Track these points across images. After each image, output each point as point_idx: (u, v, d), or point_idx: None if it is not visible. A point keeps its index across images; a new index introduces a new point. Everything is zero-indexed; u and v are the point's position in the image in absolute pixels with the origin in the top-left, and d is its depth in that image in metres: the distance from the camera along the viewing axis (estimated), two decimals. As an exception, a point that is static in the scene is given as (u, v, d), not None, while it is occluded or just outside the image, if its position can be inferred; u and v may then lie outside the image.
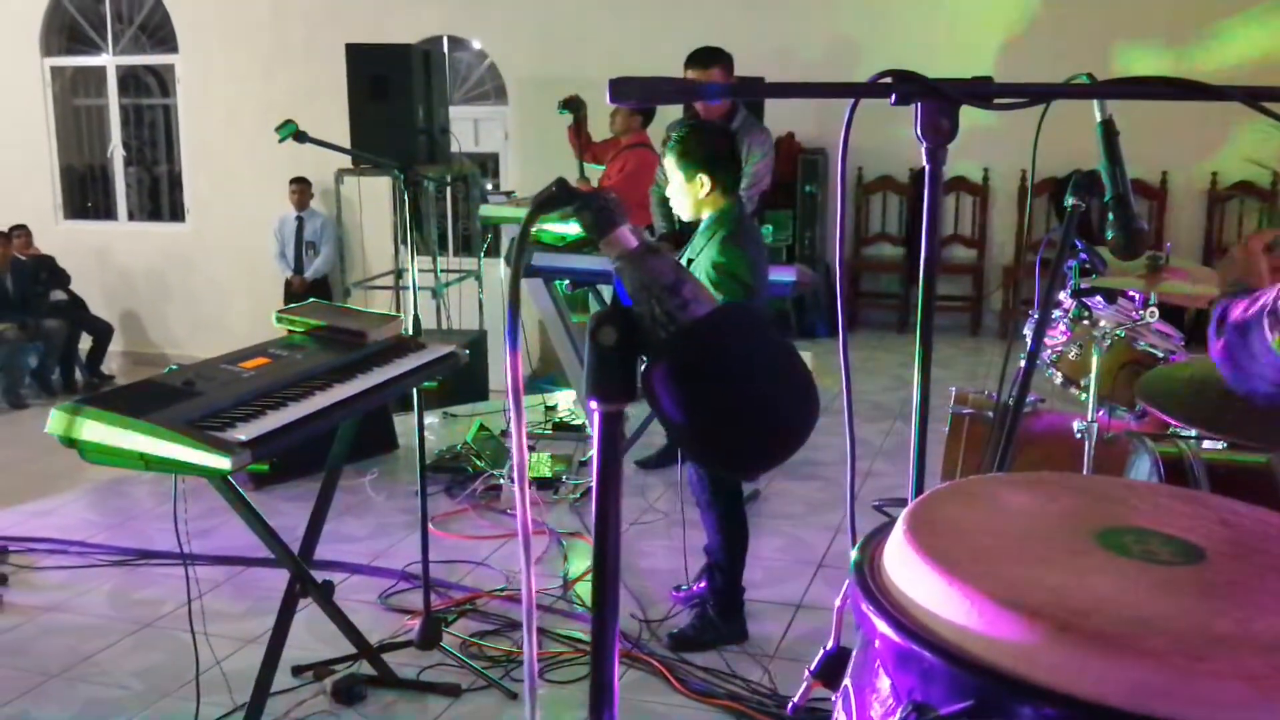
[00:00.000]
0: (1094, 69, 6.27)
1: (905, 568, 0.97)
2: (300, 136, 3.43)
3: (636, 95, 1.17)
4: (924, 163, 1.29)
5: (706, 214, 3.55)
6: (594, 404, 0.91)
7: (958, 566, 0.94)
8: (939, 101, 1.24)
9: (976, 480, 1.20)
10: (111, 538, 4.73)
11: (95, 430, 2.45)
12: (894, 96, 1.24)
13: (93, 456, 2.47)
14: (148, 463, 2.43)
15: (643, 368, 0.91)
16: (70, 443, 2.47)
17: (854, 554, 1.04)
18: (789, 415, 0.91)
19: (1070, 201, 1.84)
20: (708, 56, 5.11)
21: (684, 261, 3.57)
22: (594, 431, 0.93)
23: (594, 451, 0.93)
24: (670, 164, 3.54)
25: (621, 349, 0.90)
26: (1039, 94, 1.29)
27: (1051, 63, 8.04)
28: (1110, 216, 1.77)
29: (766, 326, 0.92)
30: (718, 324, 0.89)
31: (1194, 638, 0.86)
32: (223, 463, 2.38)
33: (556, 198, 0.93)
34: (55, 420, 2.46)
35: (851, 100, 1.26)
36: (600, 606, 0.95)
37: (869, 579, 1.00)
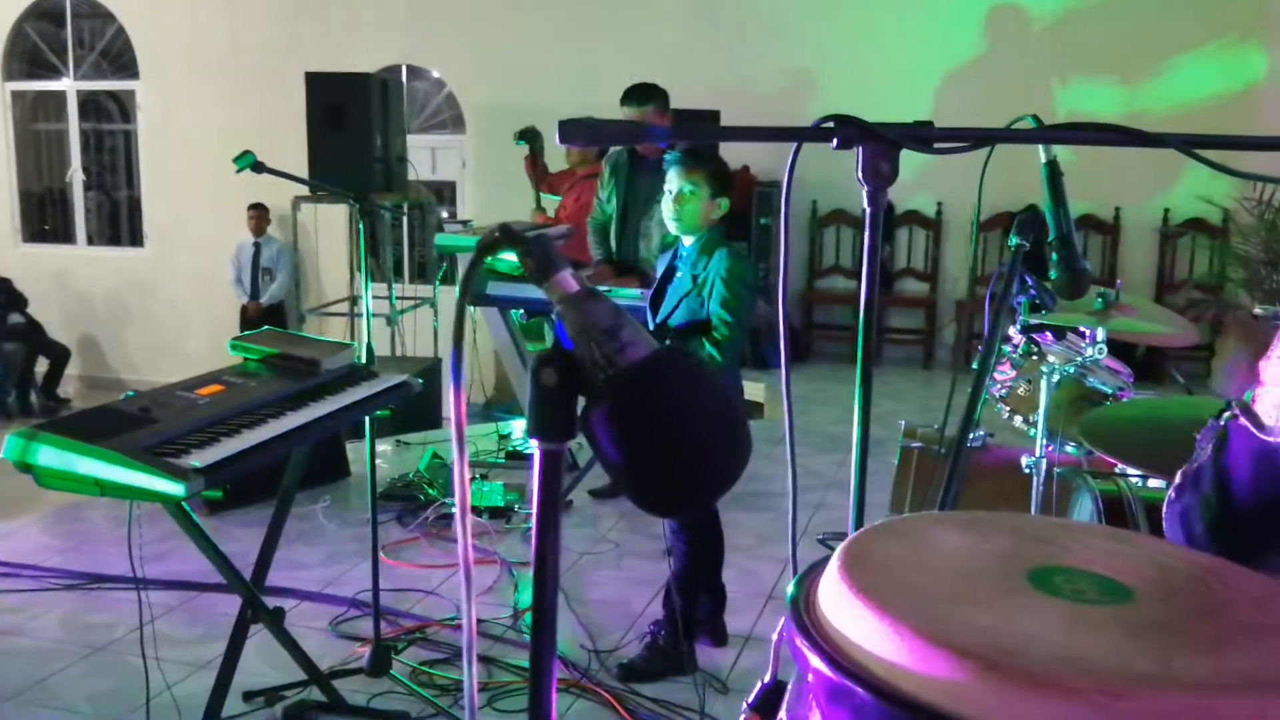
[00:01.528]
0: (1045, 105, 6.44)
1: (839, 603, 0.99)
2: (257, 167, 3.44)
3: (583, 138, 1.19)
4: (860, 183, 1.31)
5: (699, 234, 3.62)
6: (535, 442, 0.93)
7: (890, 604, 0.96)
8: (879, 146, 1.27)
9: (912, 518, 1.22)
10: (66, 562, 4.69)
11: (50, 456, 2.45)
12: (835, 141, 1.27)
13: (48, 482, 2.47)
14: (103, 488, 2.43)
15: (582, 408, 0.93)
16: (25, 468, 2.46)
17: (790, 588, 1.06)
18: (721, 459, 0.94)
19: (1015, 241, 1.87)
20: (643, 93, 5.23)
21: (688, 278, 3.61)
22: (535, 471, 0.95)
23: (535, 490, 0.95)
24: (696, 179, 3.58)
25: (562, 390, 0.92)
26: (979, 138, 1.32)
27: (1002, 98, 8.29)
28: (1054, 256, 1.81)
29: (702, 370, 0.95)
30: (654, 367, 0.92)
31: (1116, 677, 0.88)
32: (176, 489, 2.39)
33: (500, 242, 0.95)
34: (10, 446, 2.46)
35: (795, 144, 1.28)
36: (539, 642, 0.96)
37: (804, 614, 1.02)
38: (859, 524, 1.37)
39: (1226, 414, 1.28)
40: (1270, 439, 1.20)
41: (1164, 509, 1.35)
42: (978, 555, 1.10)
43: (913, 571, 1.05)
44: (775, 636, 1.07)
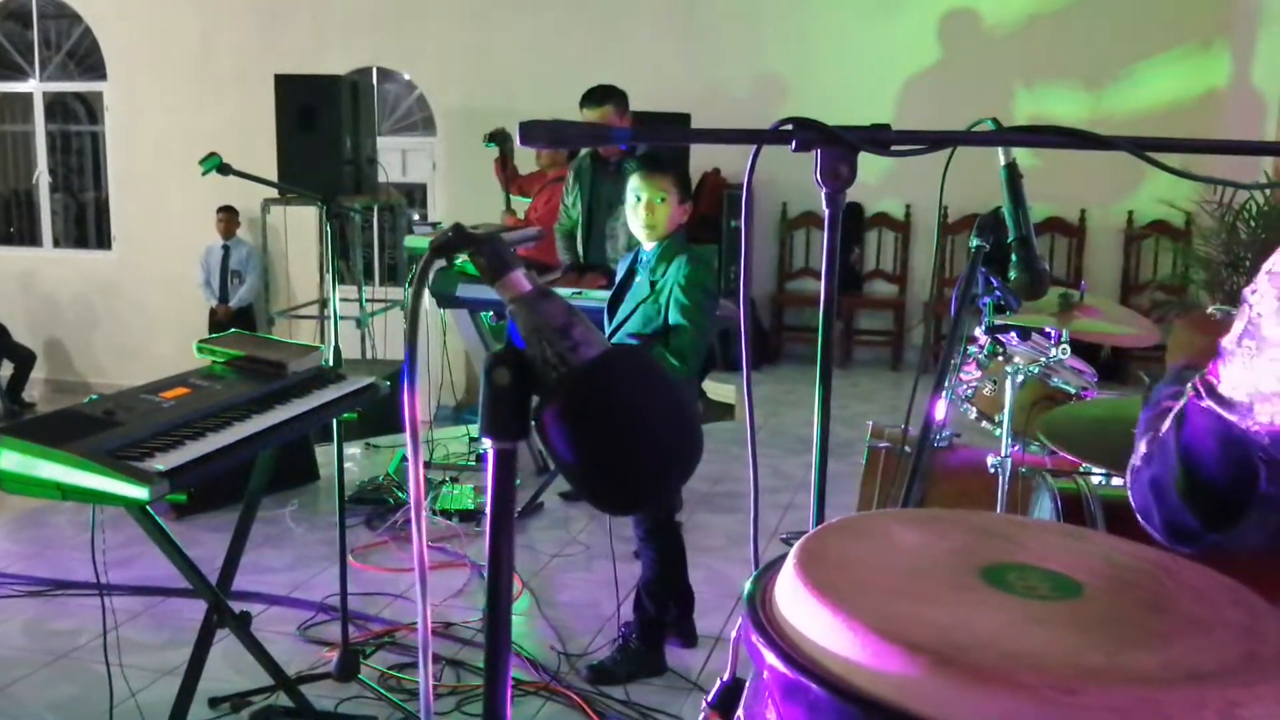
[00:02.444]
0: (1007, 109, 6.50)
1: (794, 600, 1.00)
2: (224, 169, 3.43)
3: (545, 139, 1.20)
4: (819, 184, 1.33)
5: (667, 238, 3.63)
6: (488, 441, 0.94)
7: (845, 600, 0.98)
8: (838, 148, 1.28)
9: (869, 516, 1.24)
10: (28, 568, 4.65)
11: (11, 460, 2.43)
12: (794, 143, 1.28)
13: (9, 487, 2.45)
14: (64, 492, 2.42)
15: (535, 406, 0.94)
16: (-14, 473, 2.44)
17: (748, 586, 1.07)
18: (672, 457, 0.95)
19: (975, 243, 1.89)
20: (600, 95, 5.29)
21: (646, 284, 3.61)
22: (488, 469, 0.96)
23: (488, 489, 0.95)
24: (663, 185, 3.59)
25: (515, 389, 0.93)
26: (936, 140, 1.34)
27: (964, 102, 8.34)
28: (1014, 257, 1.83)
29: (654, 368, 0.96)
30: (606, 366, 0.92)
31: (1065, 671, 0.89)
32: (140, 493, 2.37)
33: (452, 242, 0.96)
34: (-31, 451, 2.43)
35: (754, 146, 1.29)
36: (493, 643, 0.97)
37: (760, 611, 1.03)
38: (819, 523, 1.38)
39: (1186, 390, 1.29)
40: (1237, 419, 1.21)
41: (1129, 478, 1.35)
42: (933, 552, 1.12)
43: (868, 568, 1.06)
44: (734, 634, 1.08)
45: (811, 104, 8.80)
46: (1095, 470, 2.53)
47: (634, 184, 3.62)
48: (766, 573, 1.09)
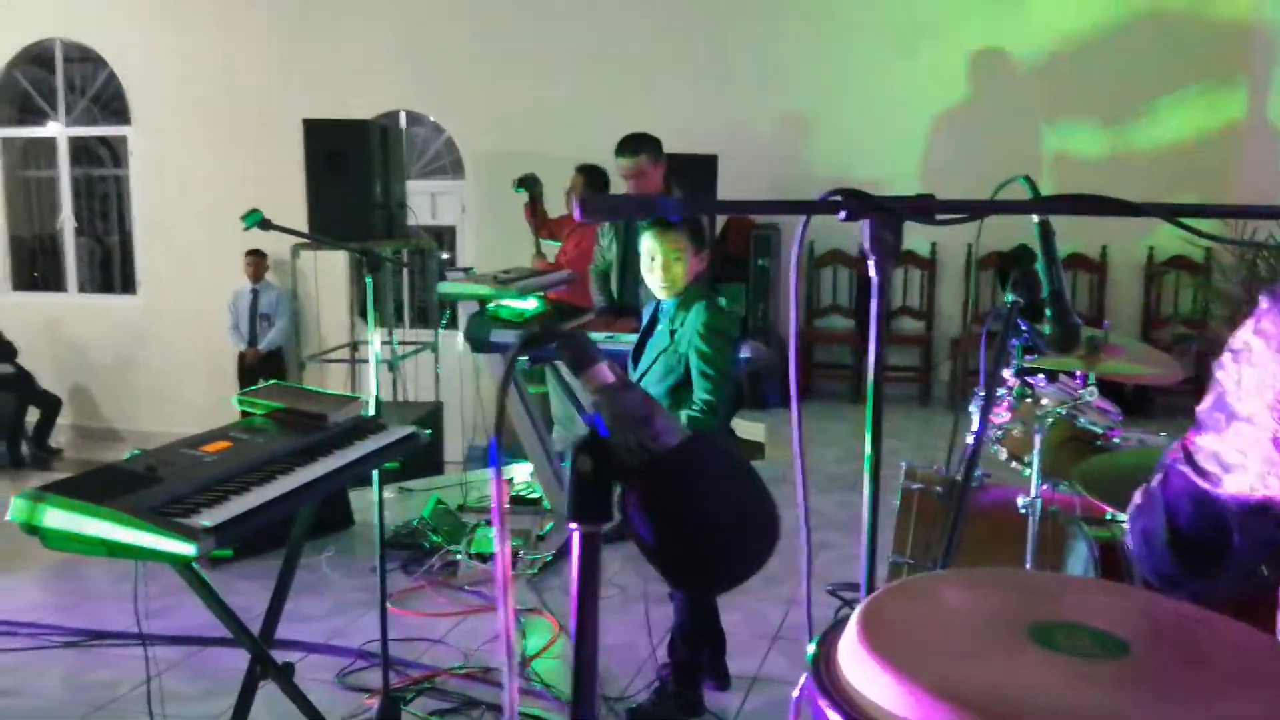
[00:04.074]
0: (1032, 146, 6.54)
1: (856, 663, 1.05)
2: (265, 224, 3.49)
3: (604, 214, 1.25)
4: (867, 253, 1.37)
5: (681, 292, 3.66)
6: (573, 525, 0.99)
7: (903, 662, 1.02)
8: (884, 217, 1.33)
9: (922, 579, 1.28)
10: (65, 619, 4.67)
11: (57, 518, 2.45)
12: (843, 214, 1.32)
13: (56, 544, 2.47)
14: (111, 550, 2.44)
15: (619, 493, 0.98)
16: (32, 530, 2.46)
17: (811, 648, 1.11)
18: (749, 543, 0.99)
19: (1010, 298, 1.93)
20: (635, 143, 5.34)
21: (666, 333, 3.65)
22: (574, 552, 1.00)
23: (573, 570, 0.99)
24: (677, 243, 3.57)
25: (598, 475, 0.98)
26: (977, 209, 1.38)
27: (990, 140, 8.40)
28: (1048, 312, 1.87)
29: (731, 455, 1.00)
30: (687, 455, 0.97)
31: (1117, 729, 0.93)
32: (187, 549, 2.40)
33: (540, 338, 1.01)
34: (16, 508, 2.46)
35: (804, 216, 1.34)
36: (579, 712, 1.01)
37: (824, 673, 1.07)
38: (871, 575, 1.42)
39: (1169, 451, 1.38)
40: (1209, 487, 1.30)
41: (1128, 523, 1.45)
42: (983, 612, 1.16)
43: (924, 630, 1.11)
44: (796, 692, 1.12)
45: (836, 143, 8.91)
46: (1123, 516, 2.55)
47: (648, 243, 3.60)
48: (829, 635, 1.13)
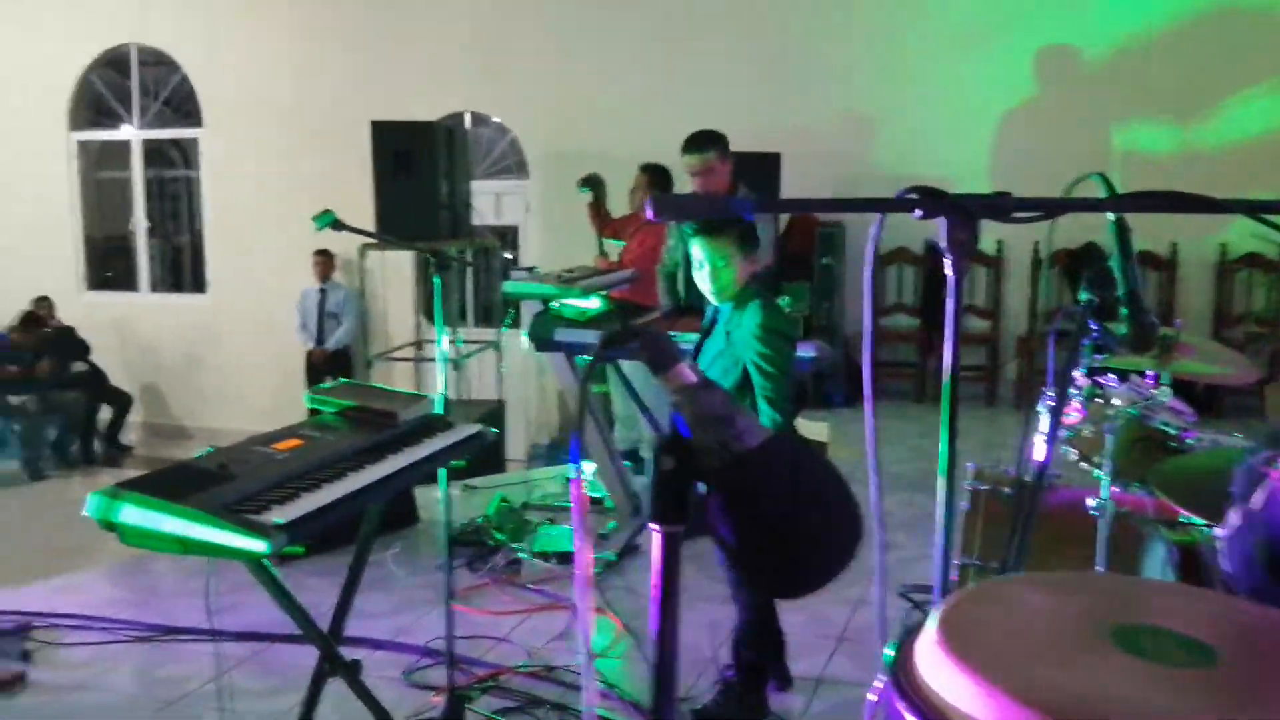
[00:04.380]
0: (1101, 144, 6.43)
1: (936, 668, 1.03)
2: (337, 225, 3.53)
3: (675, 215, 1.25)
4: (944, 251, 1.36)
5: (733, 296, 3.63)
6: (654, 526, 0.98)
7: (983, 666, 1.00)
8: (960, 216, 1.31)
9: (1001, 582, 1.26)
10: (136, 614, 4.75)
11: (133, 514, 2.48)
12: (918, 212, 1.31)
13: (132, 540, 2.51)
14: (185, 546, 2.47)
15: (701, 493, 0.97)
16: (109, 526, 2.50)
17: (889, 651, 1.10)
18: (835, 541, 0.98)
19: (1085, 296, 1.90)
20: (703, 140, 5.27)
21: (720, 336, 3.64)
22: (654, 552, 1.00)
23: (653, 571, 0.99)
24: (724, 249, 3.49)
25: (680, 476, 0.97)
26: (1054, 207, 1.36)
27: (1058, 137, 8.28)
28: (1124, 311, 1.84)
29: (814, 455, 1.00)
30: (769, 454, 0.97)
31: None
32: (259, 546, 2.43)
33: (621, 337, 1.01)
34: (94, 505, 2.50)
35: (879, 215, 1.33)
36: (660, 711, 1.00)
37: (902, 676, 1.06)
38: (945, 577, 1.40)
39: (1269, 466, 1.32)
40: None
41: (1222, 544, 1.39)
42: (1064, 615, 1.14)
43: (1004, 633, 1.09)
44: (872, 696, 1.11)
45: (901, 141, 8.83)
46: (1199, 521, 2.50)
47: (695, 248, 3.54)
48: (906, 639, 1.12)
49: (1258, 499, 1.33)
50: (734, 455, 0.96)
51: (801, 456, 0.99)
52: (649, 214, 1.24)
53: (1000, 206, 1.33)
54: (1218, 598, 1.26)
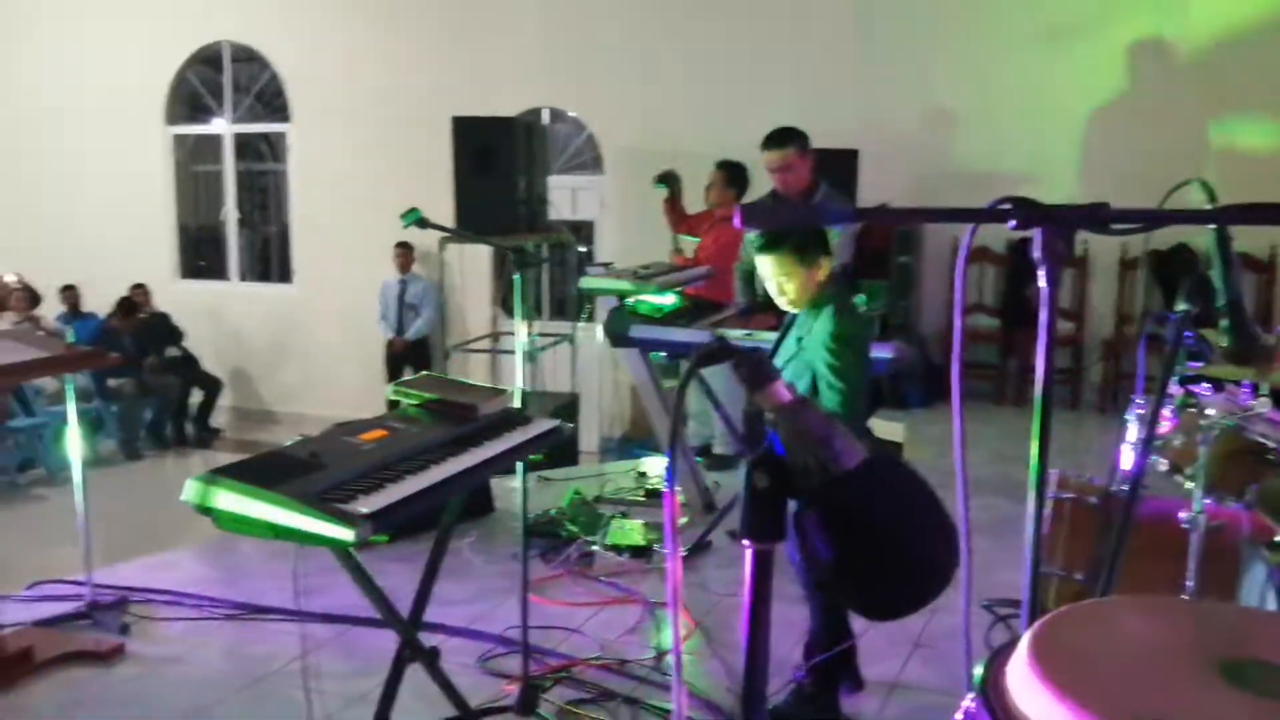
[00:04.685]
0: (1197, 142, 6.31)
1: (1029, 691, 1.01)
2: (423, 223, 3.57)
3: (763, 222, 1.24)
4: (1039, 262, 1.33)
5: (805, 306, 3.60)
6: (746, 543, 0.98)
7: (1079, 692, 0.98)
8: (1057, 227, 1.29)
9: (1098, 604, 1.24)
10: (225, 592, 4.86)
11: (228, 500, 2.56)
12: (1012, 223, 1.29)
13: (226, 525, 2.58)
14: (276, 532, 2.54)
15: (794, 510, 0.97)
16: (205, 511, 2.58)
17: (979, 670, 1.09)
18: (931, 564, 0.97)
19: (1183, 307, 1.86)
20: (782, 137, 5.26)
21: (793, 341, 3.62)
22: (747, 568, 0.99)
23: (745, 587, 0.99)
24: (784, 264, 3.48)
25: (774, 493, 0.97)
26: (1152, 219, 1.34)
27: (1151, 135, 8.11)
28: (1225, 323, 1.79)
29: (912, 476, 0.99)
30: (867, 475, 0.96)
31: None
32: (347, 534, 2.48)
33: (716, 354, 1.00)
34: (191, 490, 2.58)
35: (971, 225, 1.31)
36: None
37: (993, 697, 1.04)
38: (1035, 594, 1.38)
39: None
40: None
41: None
42: (1167, 643, 1.11)
43: (1101, 659, 1.07)
44: (959, 716, 1.10)
45: (984, 139, 8.71)
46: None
47: (758, 262, 3.54)
48: (996, 657, 1.11)
49: None
50: (832, 475, 0.95)
51: (900, 477, 0.98)
52: (736, 222, 1.24)
53: (1099, 217, 1.31)
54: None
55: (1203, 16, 8.32)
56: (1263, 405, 3.22)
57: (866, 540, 0.96)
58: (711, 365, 1.02)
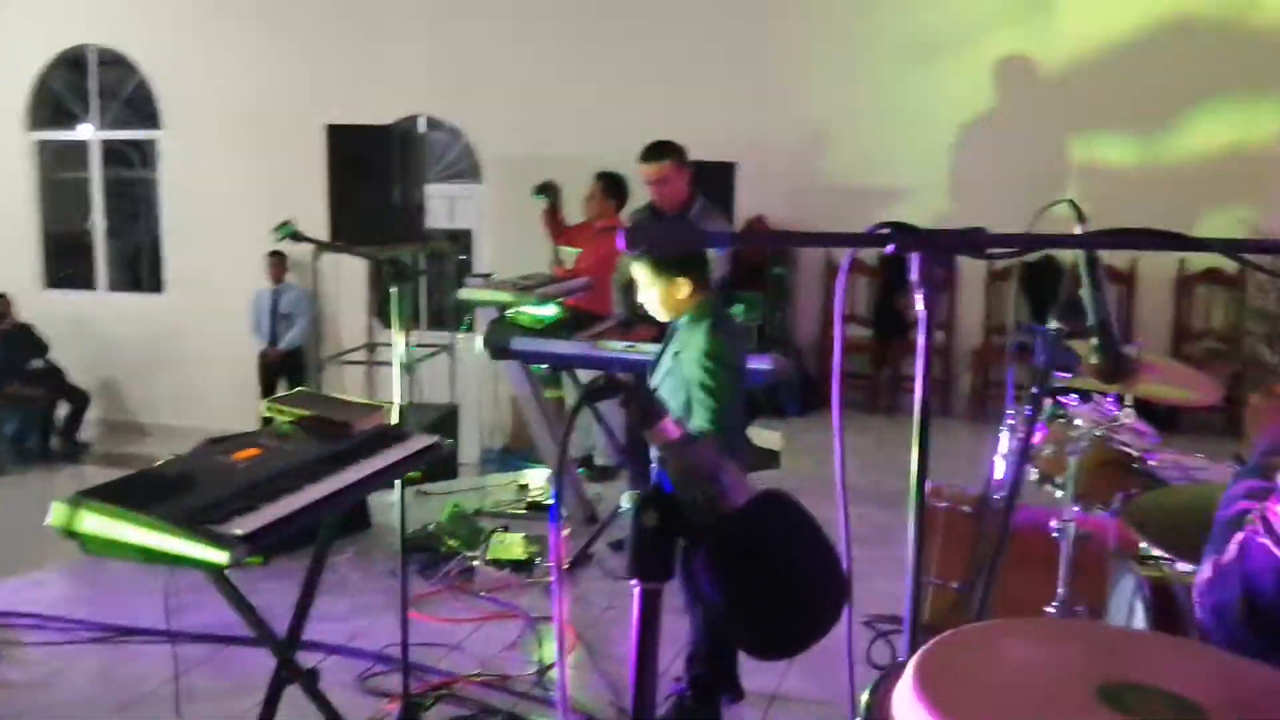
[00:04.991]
0: (1060, 156, 6.49)
1: (914, 717, 1.02)
2: (298, 237, 3.51)
3: (649, 244, 1.24)
4: (915, 285, 1.35)
5: (686, 311, 3.61)
6: (635, 583, 0.97)
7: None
8: (934, 252, 1.31)
9: (981, 628, 1.25)
10: (94, 613, 4.70)
11: (96, 523, 2.49)
12: (891, 247, 1.31)
13: (94, 549, 2.51)
14: (147, 556, 2.48)
15: (682, 549, 0.96)
16: (71, 535, 2.50)
17: (865, 696, 1.09)
18: (821, 601, 0.97)
19: (1055, 326, 1.90)
20: (660, 150, 5.29)
21: (670, 355, 3.64)
22: (634, 607, 0.98)
23: (632, 627, 0.97)
24: (642, 271, 3.54)
25: (663, 531, 0.96)
26: (1028, 243, 1.37)
27: (1017, 149, 8.35)
28: (1095, 342, 1.84)
29: (800, 512, 0.98)
30: (756, 512, 0.95)
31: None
32: (221, 557, 2.43)
33: (604, 389, 0.99)
34: (57, 513, 2.50)
35: (849, 250, 1.32)
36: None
37: (877, 722, 1.05)
38: (916, 613, 1.39)
39: (1248, 519, 1.32)
40: None
41: (1196, 597, 1.38)
42: (1048, 668, 1.12)
43: (985, 685, 1.08)
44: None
45: (857, 153, 8.87)
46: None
47: (633, 269, 3.62)
48: (882, 684, 1.11)
49: (1231, 551, 1.32)
50: (720, 512, 0.94)
51: (789, 513, 0.98)
52: (620, 244, 1.23)
53: (975, 242, 1.33)
54: (1207, 653, 1.24)
55: (1067, 34, 8.58)
56: (1127, 416, 3.33)
57: (756, 578, 0.96)
58: (600, 401, 1.00)
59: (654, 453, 0.98)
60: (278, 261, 10.01)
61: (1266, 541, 1.28)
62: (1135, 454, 3.39)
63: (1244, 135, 8.31)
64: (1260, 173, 8.18)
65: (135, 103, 11.22)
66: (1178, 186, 8.13)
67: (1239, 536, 1.31)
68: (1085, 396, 3.51)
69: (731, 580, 0.94)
